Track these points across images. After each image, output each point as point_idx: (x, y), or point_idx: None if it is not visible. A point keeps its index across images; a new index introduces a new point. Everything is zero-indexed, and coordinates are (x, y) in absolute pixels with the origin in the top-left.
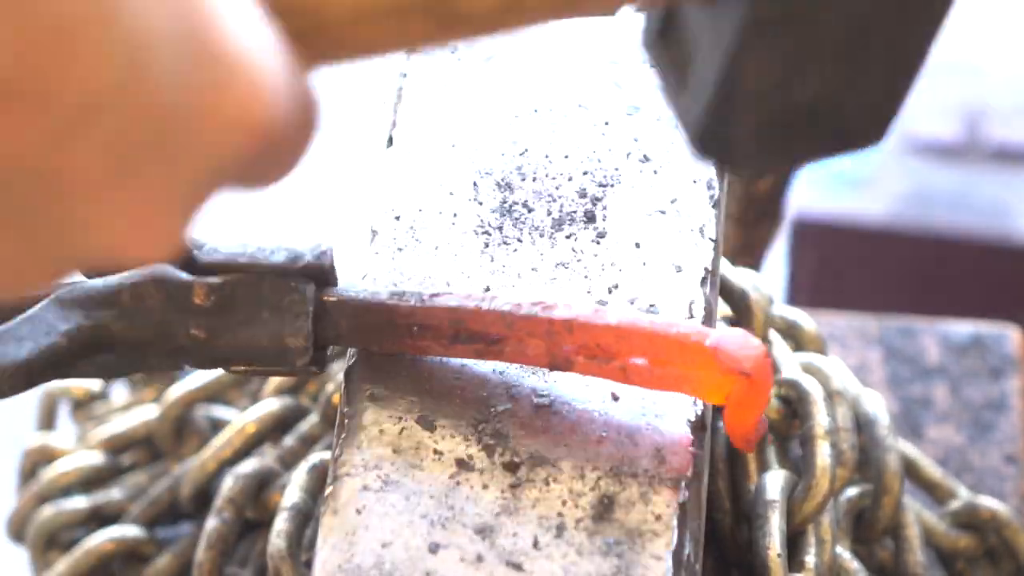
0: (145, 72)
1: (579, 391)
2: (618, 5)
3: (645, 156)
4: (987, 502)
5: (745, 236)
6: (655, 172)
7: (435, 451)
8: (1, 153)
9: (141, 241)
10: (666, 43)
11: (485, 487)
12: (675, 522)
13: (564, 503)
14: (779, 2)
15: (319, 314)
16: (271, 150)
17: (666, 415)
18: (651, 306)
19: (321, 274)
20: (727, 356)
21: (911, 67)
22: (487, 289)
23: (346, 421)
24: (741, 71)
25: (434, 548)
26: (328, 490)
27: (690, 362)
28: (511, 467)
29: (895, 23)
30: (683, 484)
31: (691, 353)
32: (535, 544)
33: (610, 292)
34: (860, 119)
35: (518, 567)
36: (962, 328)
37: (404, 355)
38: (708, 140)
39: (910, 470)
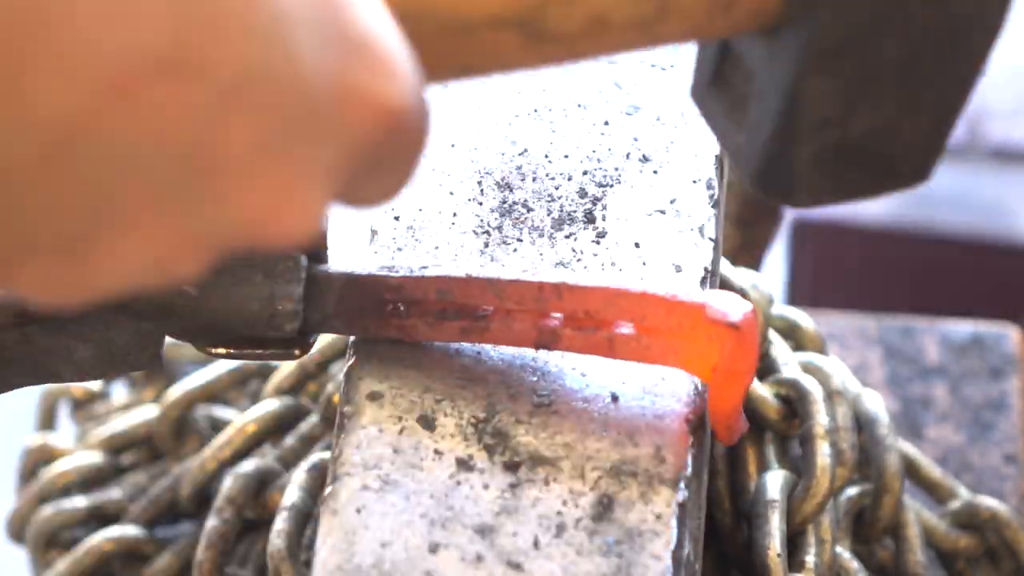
0: (289, 52)
1: (579, 391)
2: (691, 38)
3: (645, 156)
4: (987, 502)
5: (744, 236)
6: (655, 172)
7: (435, 451)
8: (157, 127)
9: (285, 217)
10: (721, 84)
11: (485, 487)
12: (675, 521)
13: (564, 503)
14: (839, 32)
15: (309, 285)
16: (399, 141)
17: (666, 415)
18: None
19: (314, 249)
20: (715, 311)
21: (956, 105)
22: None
23: (346, 421)
24: (802, 103)
25: (434, 548)
26: (328, 490)
27: (678, 324)
28: (511, 467)
29: (945, 56)
30: (683, 483)
31: (680, 313)
32: (535, 544)
33: None
34: (909, 155)
35: (518, 567)
36: (962, 328)
37: (403, 355)
38: (770, 175)
39: (910, 470)
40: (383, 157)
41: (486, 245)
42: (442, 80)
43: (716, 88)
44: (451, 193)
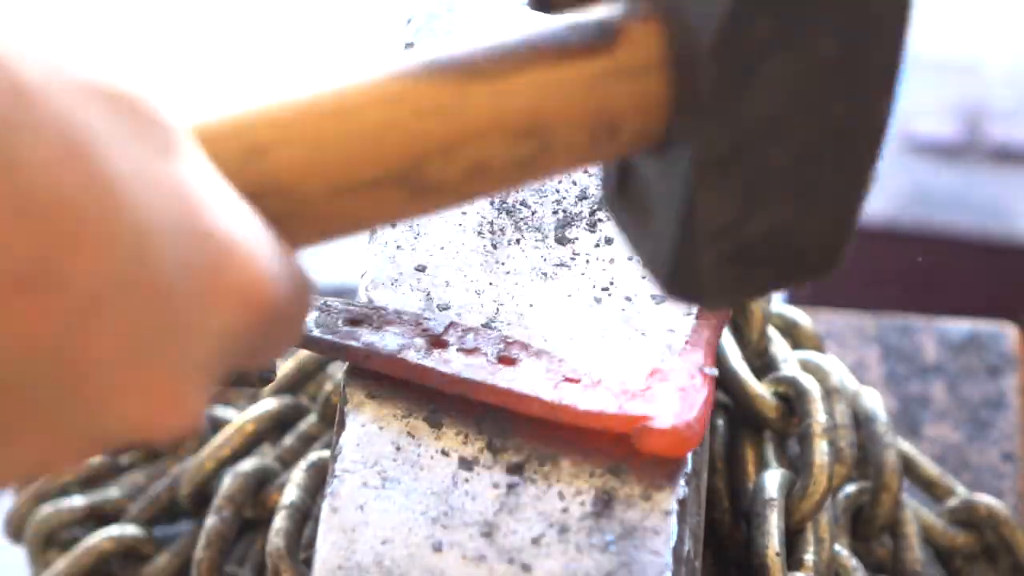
0: (148, 258)
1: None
2: (578, 166)
3: None
4: (984, 499)
5: None
6: None
7: (435, 448)
8: (21, 341)
9: (164, 417)
10: (625, 196)
11: (485, 484)
12: (675, 518)
13: (564, 500)
14: (724, 146)
15: None
16: (272, 327)
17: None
18: (653, 297)
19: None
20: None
21: (857, 193)
22: (489, 284)
23: (346, 419)
24: (696, 213)
25: (435, 546)
26: (328, 487)
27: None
28: (512, 465)
29: (833, 159)
30: (682, 481)
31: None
32: (536, 541)
33: (606, 290)
34: (816, 247)
35: (519, 564)
36: (960, 326)
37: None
38: (676, 283)
39: (907, 467)
40: (262, 340)
41: (486, 245)
42: (332, 238)
43: (622, 200)
44: None
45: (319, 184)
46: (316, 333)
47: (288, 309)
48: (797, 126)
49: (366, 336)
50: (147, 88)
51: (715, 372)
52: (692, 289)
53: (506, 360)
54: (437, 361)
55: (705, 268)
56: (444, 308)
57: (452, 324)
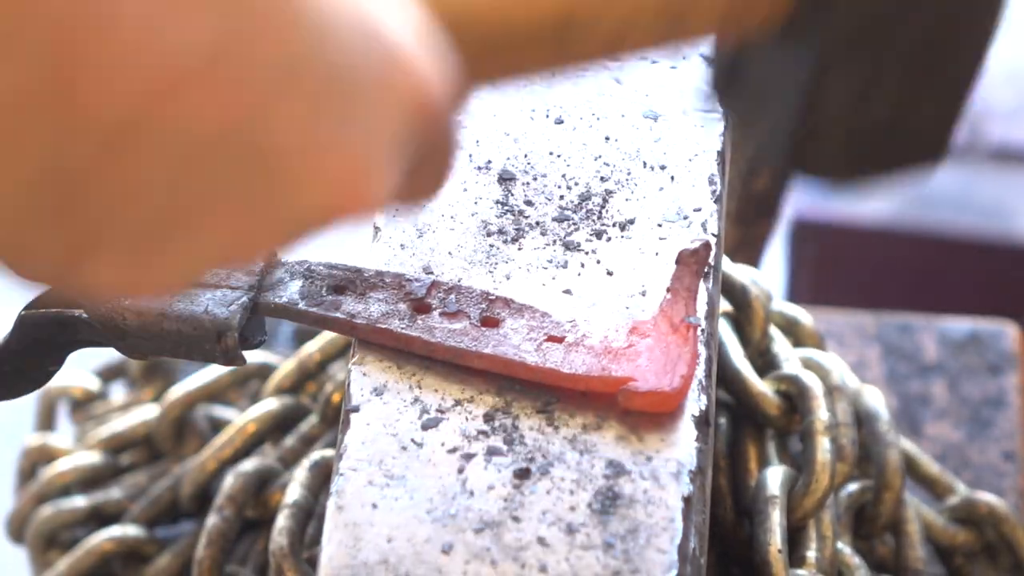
0: (329, 44)
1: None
2: (710, 32)
3: (647, 153)
4: (985, 497)
5: (743, 234)
6: (659, 168)
7: (440, 446)
8: (212, 123)
9: (348, 198)
10: (739, 86)
11: (491, 483)
12: (680, 516)
13: (570, 498)
14: (851, 24)
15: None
16: (433, 137)
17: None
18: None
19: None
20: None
21: (966, 80)
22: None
23: (350, 417)
24: (824, 92)
25: (440, 543)
26: (333, 486)
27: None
28: (517, 463)
29: (952, 41)
30: (688, 478)
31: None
32: (541, 540)
33: (609, 283)
34: (928, 131)
35: (524, 562)
36: (960, 325)
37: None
38: (802, 160)
39: (908, 465)
40: (422, 153)
41: (487, 243)
42: (485, 82)
43: (735, 89)
44: (453, 190)
45: (485, 27)
46: (302, 306)
47: (446, 126)
48: (918, 10)
49: (350, 305)
50: None
51: (699, 321)
52: (818, 166)
53: (489, 321)
54: (421, 329)
55: (830, 145)
56: (428, 271)
57: (434, 284)
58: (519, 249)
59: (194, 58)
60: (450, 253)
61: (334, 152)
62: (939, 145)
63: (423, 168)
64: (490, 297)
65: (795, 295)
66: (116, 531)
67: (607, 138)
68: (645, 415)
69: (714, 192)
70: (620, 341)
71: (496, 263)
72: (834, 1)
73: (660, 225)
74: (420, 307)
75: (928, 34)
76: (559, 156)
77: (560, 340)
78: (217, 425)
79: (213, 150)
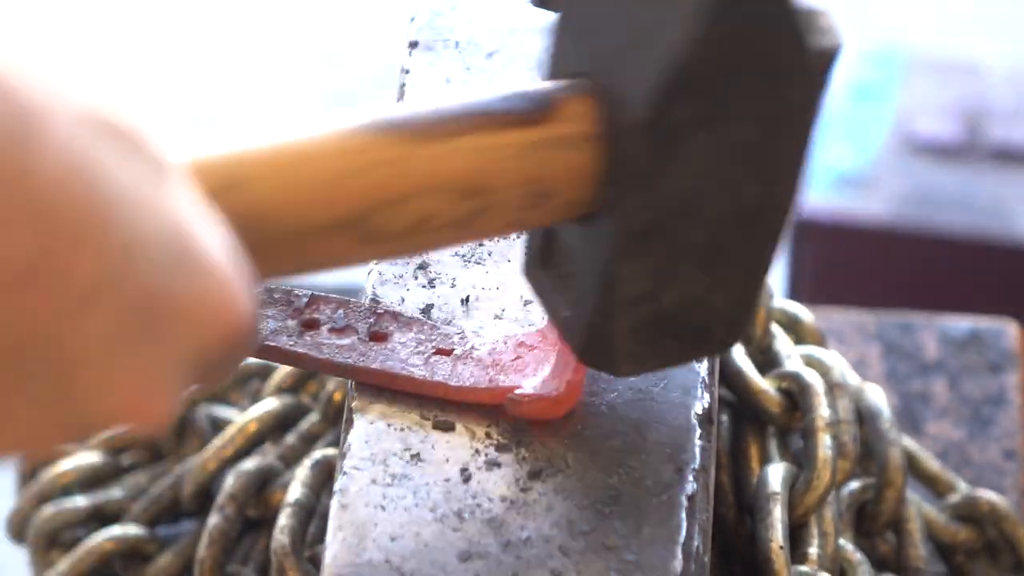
0: (137, 263)
1: (588, 386)
2: (513, 229)
3: None
4: (986, 495)
5: None
6: None
7: (444, 445)
8: (24, 327)
9: (138, 409)
10: (547, 263)
11: (495, 482)
12: (684, 514)
13: (575, 498)
14: (646, 215)
15: None
16: (232, 350)
17: (674, 408)
18: None
19: None
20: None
21: (758, 276)
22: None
23: (354, 415)
24: (616, 281)
25: (445, 543)
26: (337, 484)
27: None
28: (521, 462)
29: (743, 236)
30: (691, 476)
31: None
32: (546, 539)
33: None
34: (720, 321)
35: (528, 561)
36: (960, 323)
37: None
38: (593, 348)
39: (910, 463)
40: (215, 361)
41: (481, 244)
42: (282, 276)
43: (543, 267)
44: None
45: (285, 221)
46: None
47: (246, 340)
48: (712, 203)
49: None
50: (142, 118)
51: None
52: (607, 355)
53: (377, 336)
54: (308, 346)
55: (619, 335)
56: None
57: (314, 298)
58: (513, 248)
59: (5, 273)
60: (450, 253)
61: (127, 371)
62: (730, 335)
63: (213, 372)
64: (378, 311)
65: (796, 294)
66: (117, 531)
67: None
68: (650, 415)
69: None
70: (508, 353)
71: (491, 263)
72: (631, 189)
73: None
74: (308, 323)
75: (718, 229)
76: None
77: (448, 353)
78: (218, 425)
79: (14, 356)
